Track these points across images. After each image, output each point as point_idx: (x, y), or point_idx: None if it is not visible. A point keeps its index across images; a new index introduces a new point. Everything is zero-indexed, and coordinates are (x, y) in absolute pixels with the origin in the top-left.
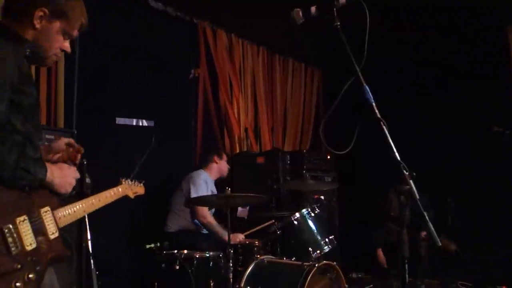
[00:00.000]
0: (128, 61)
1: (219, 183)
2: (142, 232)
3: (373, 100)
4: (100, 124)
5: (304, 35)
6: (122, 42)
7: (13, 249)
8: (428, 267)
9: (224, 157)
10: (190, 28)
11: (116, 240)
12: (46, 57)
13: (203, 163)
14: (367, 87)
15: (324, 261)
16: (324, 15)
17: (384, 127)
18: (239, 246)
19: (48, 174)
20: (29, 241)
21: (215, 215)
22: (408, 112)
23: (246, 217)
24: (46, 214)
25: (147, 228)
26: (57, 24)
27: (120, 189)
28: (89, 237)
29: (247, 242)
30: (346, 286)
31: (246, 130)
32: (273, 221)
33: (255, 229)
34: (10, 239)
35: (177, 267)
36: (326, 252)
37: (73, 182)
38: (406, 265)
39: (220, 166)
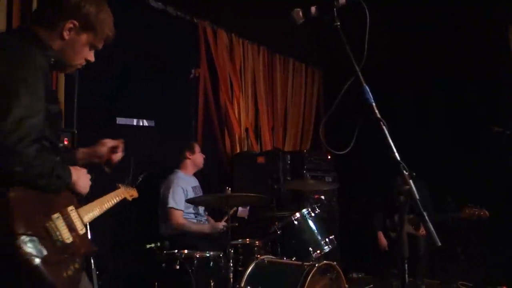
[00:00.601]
0: (128, 60)
1: (219, 183)
2: (142, 232)
3: (373, 100)
4: (100, 124)
5: (305, 35)
6: (122, 42)
7: (57, 242)
8: (428, 267)
9: (197, 148)
10: (190, 28)
11: (116, 239)
12: (70, 66)
13: (178, 162)
14: (367, 87)
15: (324, 261)
16: (324, 15)
17: (384, 127)
18: (239, 246)
19: (73, 176)
20: (67, 236)
21: (214, 215)
22: (408, 112)
23: (246, 217)
24: (72, 212)
25: (147, 228)
26: (84, 37)
27: (120, 193)
28: (89, 236)
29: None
30: (346, 286)
31: (246, 130)
32: (247, 207)
33: (230, 213)
34: (53, 234)
35: (177, 267)
36: (327, 252)
37: (90, 183)
38: (406, 265)
39: (194, 160)
